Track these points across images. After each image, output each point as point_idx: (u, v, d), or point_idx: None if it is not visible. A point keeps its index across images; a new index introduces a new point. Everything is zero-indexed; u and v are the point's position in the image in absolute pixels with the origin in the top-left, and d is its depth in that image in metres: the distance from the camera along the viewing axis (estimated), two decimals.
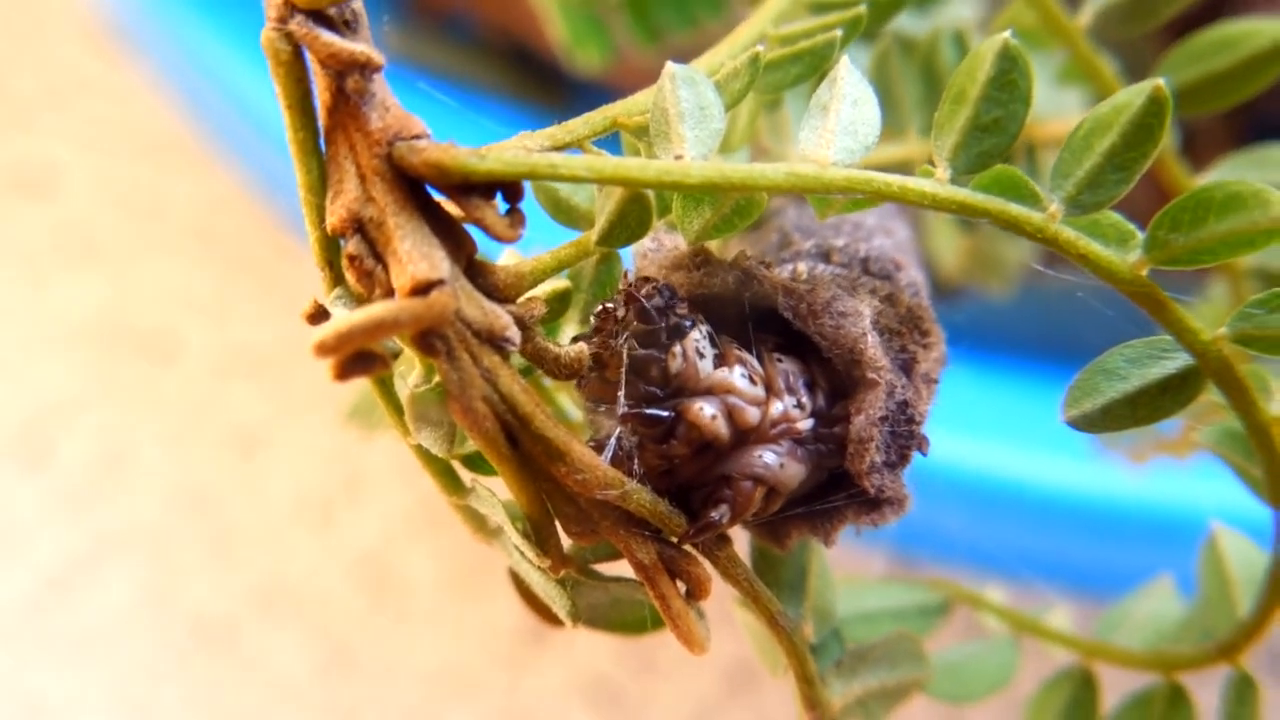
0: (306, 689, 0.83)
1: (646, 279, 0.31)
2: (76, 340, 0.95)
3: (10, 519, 0.88)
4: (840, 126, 0.30)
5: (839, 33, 0.34)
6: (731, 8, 0.56)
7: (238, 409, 0.93)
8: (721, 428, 0.31)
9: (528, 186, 0.30)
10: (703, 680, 0.81)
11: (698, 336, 0.31)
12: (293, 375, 0.94)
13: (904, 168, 0.45)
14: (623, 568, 0.33)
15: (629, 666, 0.82)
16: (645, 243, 0.33)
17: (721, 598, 0.33)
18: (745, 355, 0.32)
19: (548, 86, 0.84)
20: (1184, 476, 0.54)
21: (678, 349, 0.30)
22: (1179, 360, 0.31)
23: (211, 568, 0.87)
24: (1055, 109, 0.47)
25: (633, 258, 0.34)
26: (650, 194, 0.30)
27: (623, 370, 0.30)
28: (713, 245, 0.34)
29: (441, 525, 0.88)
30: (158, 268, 0.99)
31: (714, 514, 0.31)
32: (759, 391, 0.31)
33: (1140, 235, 0.30)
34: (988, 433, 0.67)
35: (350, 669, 0.83)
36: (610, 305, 0.31)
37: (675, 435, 0.31)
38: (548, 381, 0.38)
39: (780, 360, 0.33)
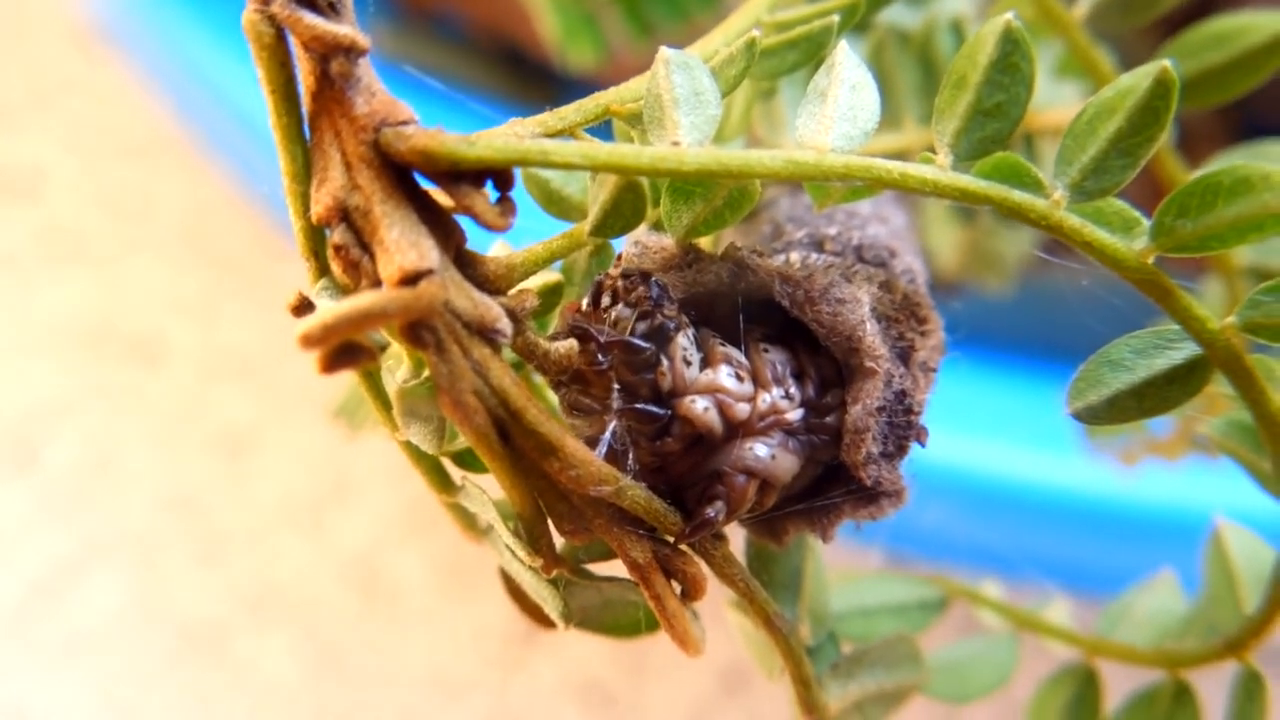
0: (297, 692, 0.82)
1: (629, 276, 0.31)
2: (62, 343, 0.95)
3: None
4: (839, 112, 0.29)
5: (836, 18, 0.33)
6: (723, 2, 0.55)
7: (225, 411, 0.92)
8: (715, 420, 0.30)
9: (518, 177, 0.29)
10: (696, 681, 0.81)
11: (684, 343, 0.30)
12: (281, 377, 0.93)
13: (901, 158, 0.45)
14: (616, 568, 0.32)
15: (622, 667, 0.81)
16: (628, 248, 0.32)
17: (715, 598, 0.33)
18: (730, 351, 0.31)
19: (539, 85, 0.84)
20: (1182, 473, 0.53)
21: (665, 366, 0.30)
22: (1186, 350, 0.30)
23: (200, 571, 0.86)
24: (1051, 100, 0.46)
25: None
26: (645, 182, 0.30)
27: (611, 386, 0.29)
28: (704, 241, 0.34)
29: (432, 527, 0.87)
30: (144, 269, 0.98)
31: (709, 510, 0.30)
32: (746, 388, 0.31)
33: (1146, 222, 0.29)
34: (982, 429, 0.66)
35: (341, 672, 0.83)
36: (592, 328, 0.30)
37: (670, 431, 0.30)
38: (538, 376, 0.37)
39: (767, 350, 0.32)
